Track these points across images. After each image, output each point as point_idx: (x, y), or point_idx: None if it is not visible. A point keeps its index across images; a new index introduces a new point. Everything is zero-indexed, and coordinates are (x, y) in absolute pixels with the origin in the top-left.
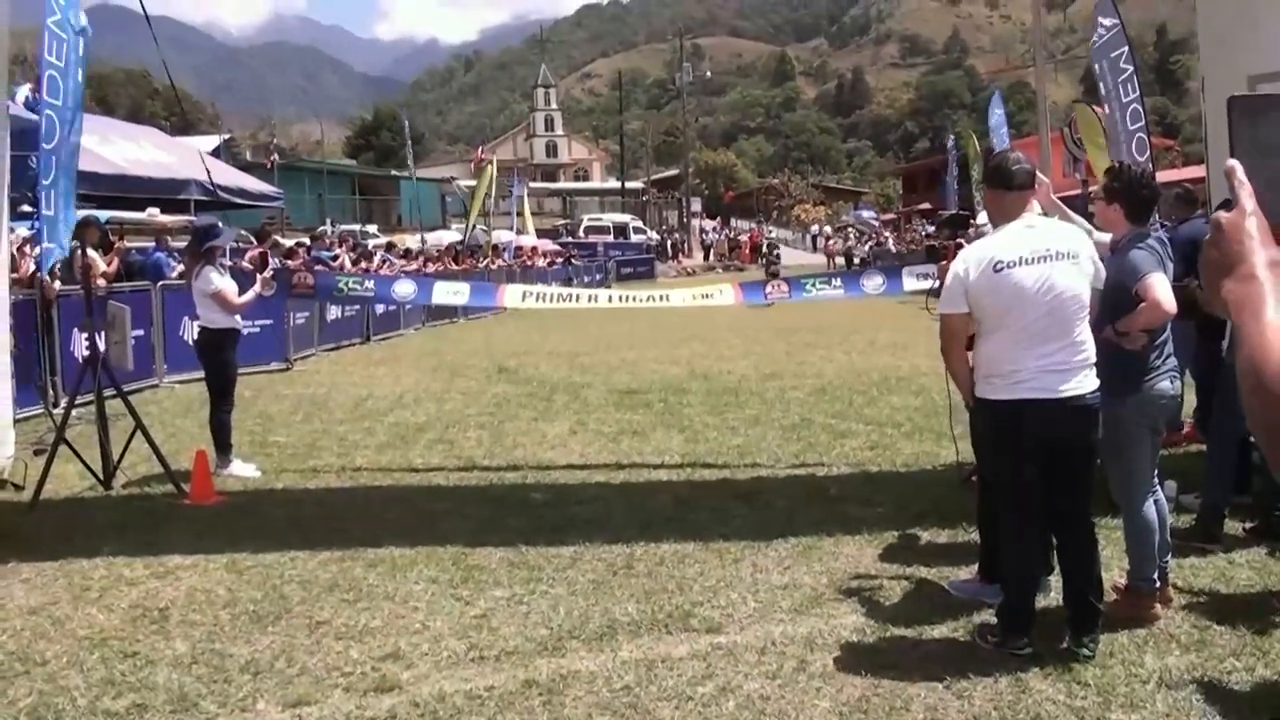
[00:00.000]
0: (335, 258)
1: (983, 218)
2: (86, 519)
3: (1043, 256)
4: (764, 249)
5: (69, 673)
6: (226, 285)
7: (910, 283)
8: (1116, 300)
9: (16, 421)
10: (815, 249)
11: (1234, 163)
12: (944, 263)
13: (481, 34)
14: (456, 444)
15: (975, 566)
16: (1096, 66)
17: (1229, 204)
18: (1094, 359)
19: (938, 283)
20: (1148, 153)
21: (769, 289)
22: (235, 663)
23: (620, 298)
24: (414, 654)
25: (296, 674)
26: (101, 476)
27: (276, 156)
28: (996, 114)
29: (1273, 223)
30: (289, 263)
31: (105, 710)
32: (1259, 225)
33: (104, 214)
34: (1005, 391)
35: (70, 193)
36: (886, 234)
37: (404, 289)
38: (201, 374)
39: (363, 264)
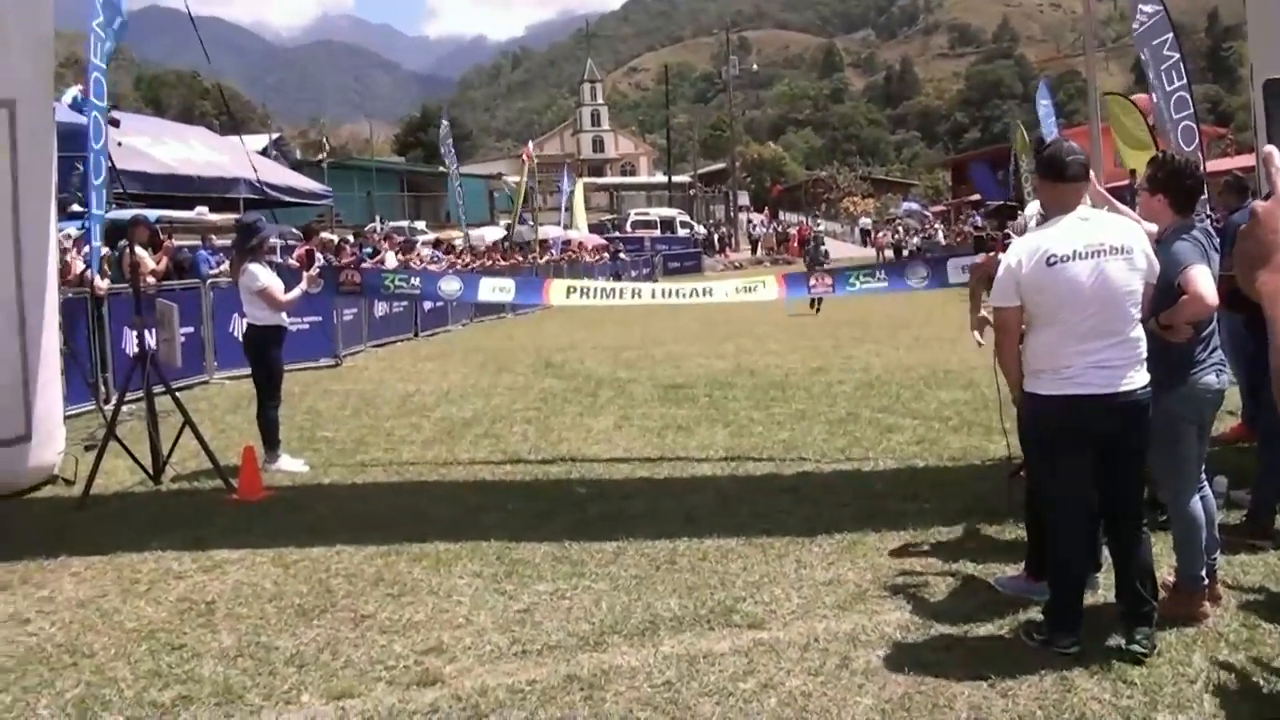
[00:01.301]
0: (375, 253)
1: (1031, 208)
2: (135, 514)
3: (1096, 251)
4: (809, 242)
5: (116, 664)
6: (272, 282)
7: (955, 275)
8: (1160, 293)
9: (68, 418)
10: (865, 243)
11: (1271, 149)
12: (990, 254)
13: (528, 30)
14: (502, 439)
15: (1022, 563)
16: (1141, 54)
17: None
18: (1145, 355)
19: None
20: (1196, 141)
21: (813, 282)
22: (280, 655)
23: (664, 292)
24: (457, 648)
25: (340, 667)
26: (151, 472)
27: (325, 154)
28: (1044, 104)
29: None
30: (335, 260)
31: (151, 702)
32: None
33: (153, 213)
34: (1054, 387)
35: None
36: (936, 225)
37: (450, 286)
38: (250, 370)
39: (403, 257)
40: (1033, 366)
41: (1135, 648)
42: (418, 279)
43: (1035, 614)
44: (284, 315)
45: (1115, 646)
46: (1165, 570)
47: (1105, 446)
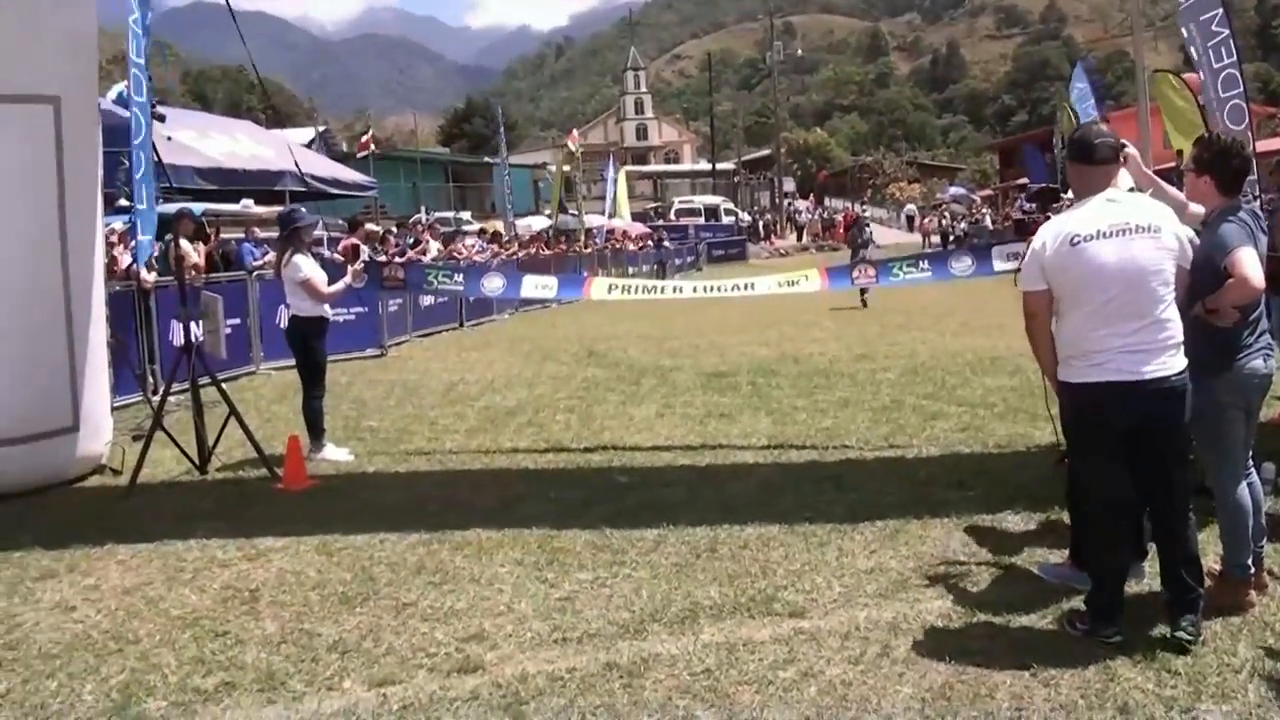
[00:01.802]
0: (416, 243)
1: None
2: (181, 502)
3: (1121, 230)
4: (854, 227)
5: (161, 651)
6: (315, 273)
7: (1000, 263)
8: (1206, 276)
9: (116, 409)
10: (911, 229)
11: None
12: (1031, 238)
13: (572, 19)
14: (545, 428)
15: (1066, 551)
16: (1185, 30)
17: None
18: (1180, 338)
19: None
20: (1245, 121)
21: (856, 274)
22: (323, 643)
23: (705, 288)
24: (498, 635)
25: (383, 654)
26: (197, 461)
27: (373, 146)
28: (1079, 87)
29: None
30: (381, 257)
31: (195, 688)
32: None
33: (199, 206)
34: (1086, 374)
35: (154, 186)
36: (984, 210)
37: (493, 283)
38: (295, 361)
39: (446, 248)
40: (1064, 354)
41: (1181, 634)
42: (460, 275)
43: (1078, 603)
44: (327, 307)
45: (1160, 636)
46: (1211, 558)
47: (1142, 433)
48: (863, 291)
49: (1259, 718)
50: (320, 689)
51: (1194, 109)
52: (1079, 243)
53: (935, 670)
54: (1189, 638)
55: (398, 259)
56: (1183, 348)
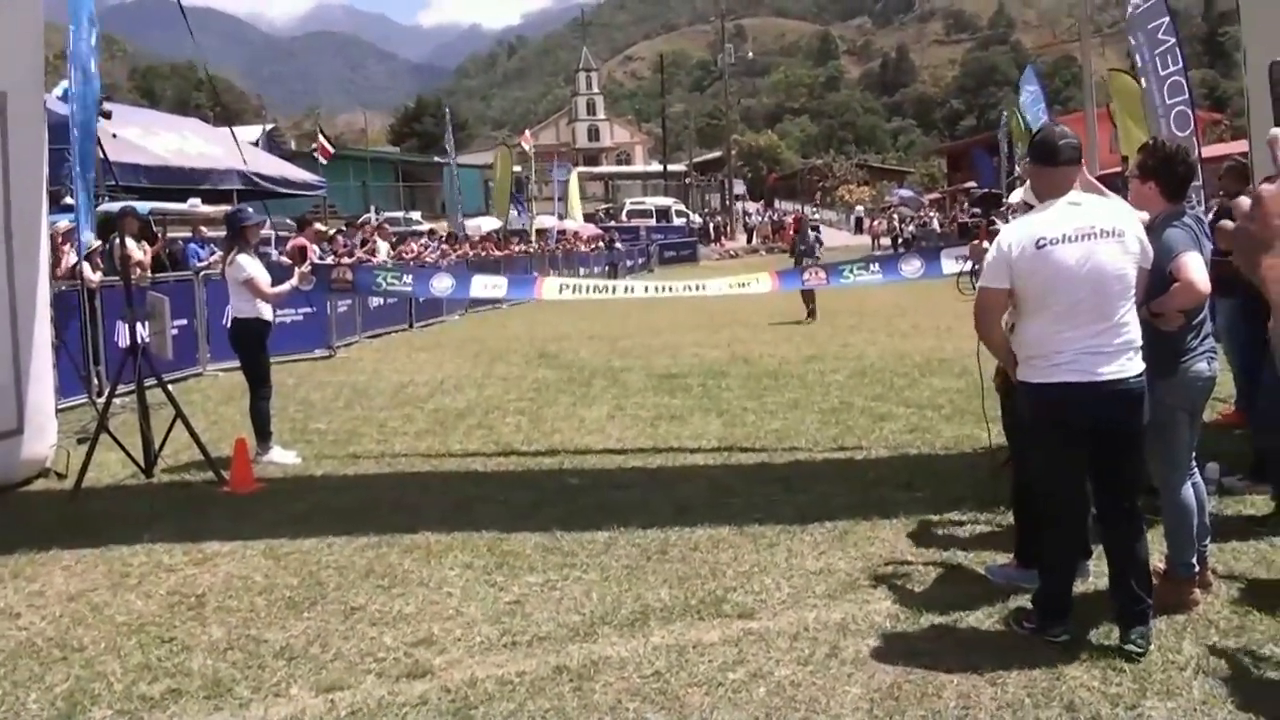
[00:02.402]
0: (364, 243)
1: (1015, 195)
2: (127, 506)
3: (1086, 234)
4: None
5: (106, 658)
6: (259, 273)
7: (949, 265)
8: (1152, 280)
9: (60, 411)
10: (860, 230)
11: (1277, 132)
12: (975, 242)
13: (524, 18)
14: (495, 430)
15: (1012, 552)
16: (1132, 39)
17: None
18: (1139, 342)
19: (971, 265)
20: (1190, 127)
21: (806, 276)
22: (270, 648)
23: (657, 288)
24: (447, 640)
25: (330, 659)
26: (143, 464)
27: (324, 143)
28: (1030, 90)
29: None
30: (329, 257)
31: (141, 695)
32: None
33: (145, 205)
34: (1045, 374)
35: (91, 183)
36: (931, 213)
37: (442, 283)
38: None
39: (395, 251)
40: (1024, 354)
41: (1131, 647)
42: (410, 276)
43: (1025, 602)
44: (268, 308)
45: (1110, 645)
46: (1156, 557)
47: (1099, 435)
48: (810, 304)
49: (1204, 714)
50: (267, 695)
51: (1141, 116)
52: (1045, 245)
53: (883, 670)
54: (1138, 650)
55: (345, 260)
56: (1141, 351)
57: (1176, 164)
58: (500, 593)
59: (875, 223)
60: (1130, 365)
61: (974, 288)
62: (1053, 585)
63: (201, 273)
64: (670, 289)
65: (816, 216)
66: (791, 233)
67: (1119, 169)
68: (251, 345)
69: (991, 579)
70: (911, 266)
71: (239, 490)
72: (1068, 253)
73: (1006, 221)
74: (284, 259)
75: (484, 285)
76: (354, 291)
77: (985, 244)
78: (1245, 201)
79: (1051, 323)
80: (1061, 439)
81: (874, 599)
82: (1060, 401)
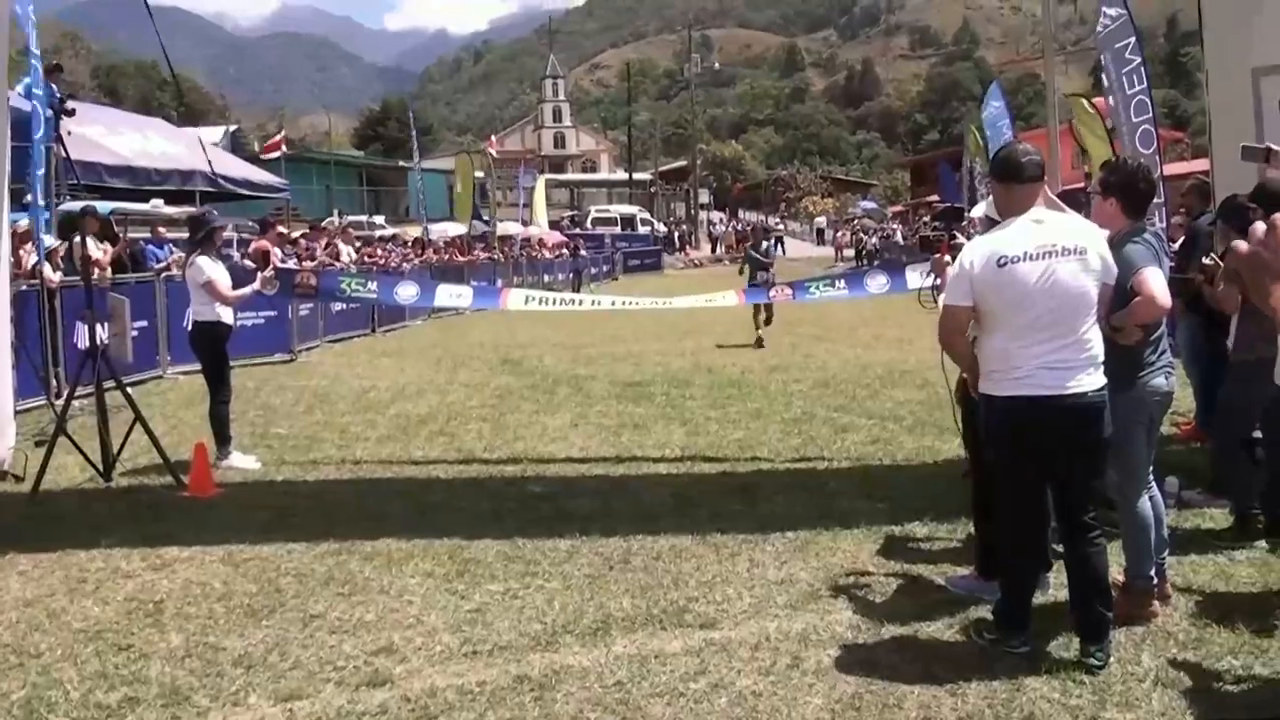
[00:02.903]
0: (328, 246)
1: (977, 210)
2: (85, 511)
3: (1048, 252)
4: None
5: (63, 665)
6: (218, 276)
7: (914, 280)
8: (1112, 295)
9: (19, 413)
10: (821, 242)
11: (1275, 147)
12: (937, 255)
13: (491, 24)
14: (457, 437)
15: (973, 563)
16: (1102, 56)
17: (1234, 198)
18: (1101, 357)
19: (933, 279)
20: (1154, 145)
21: (773, 292)
22: (228, 656)
23: (623, 302)
24: (407, 648)
25: (289, 668)
26: (101, 468)
27: (284, 146)
28: (994, 105)
29: None
30: (291, 260)
31: (98, 703)
32: None
33: (107, 205)
34: (1007, 388)
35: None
36: (894, 226)
37: (407, 291)
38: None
39: (360, 253)
40: (987, 368)
41: (1091, 660)
42: (374, 283)
43: (985, 613)
44: (229, 311)
45: (1071, 658)
46: (1115, 570)
47: (1058, 449)
48: (761, 326)
49: None
50: (225, 704)
51: (1102, 132)
52: (1006, 264)
53: (844, 681)
54: (1098, 663)
55: (309, 264)
56: (1103, 366)
57: (1138, 181)
58: (461, 601)
59: (839, 234)
60: (1091, 380)
61: (936, 301)
62: (1012, 597)
63: (163, 274)
64: (636, 303)
65: (780, 227)
66: (738, 243)
67: (1081, 185)
68: (211, 348)
69: (952, 589)
70: (877, 282)
71: (198, 495)
72: (1028, 270)
73: (968, 235)
74: (248, 262)
75: (449, 294)
76: (318, 296)
77: (947, 258)
78: (1260, 227)
79: (1012, 338)
80: (1021, 452)
81: (835, 609)
82: (1021, 415)
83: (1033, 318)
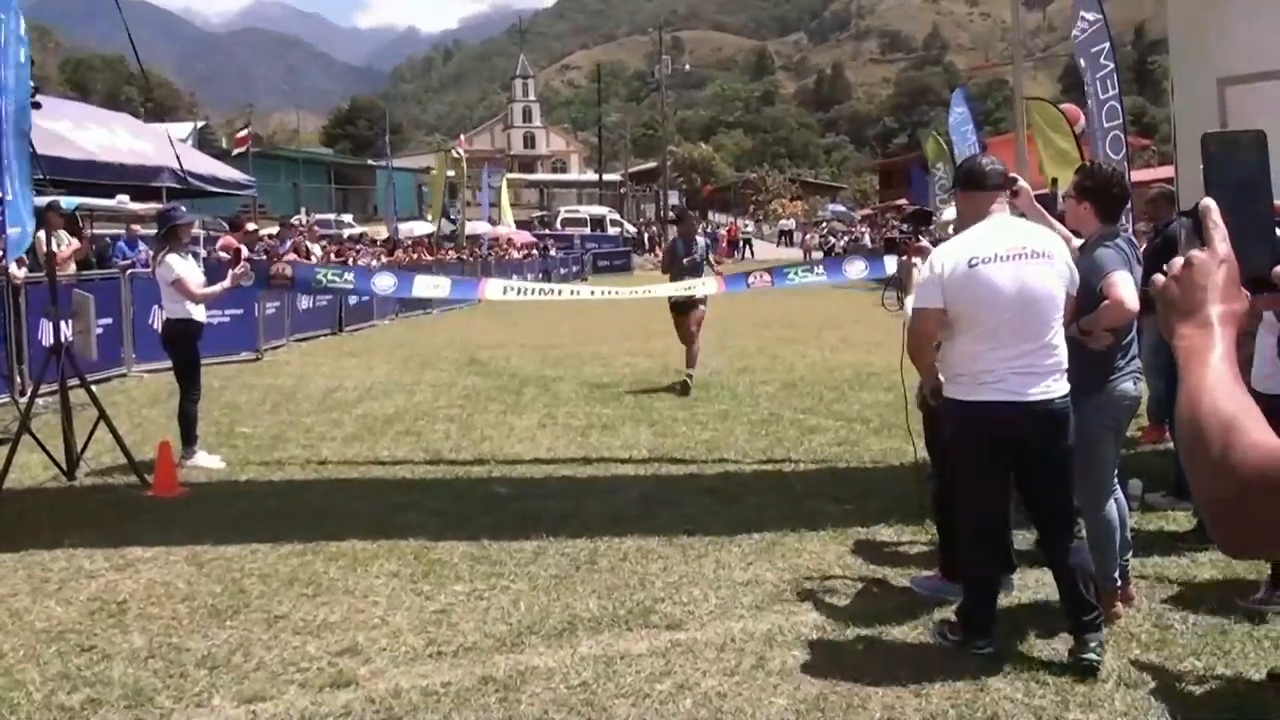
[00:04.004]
0: (296, 248)
1: (947, 214)
2: (48, 510)
3: (1017, 254)
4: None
5: (25, 666)
6: (187, 273)
7: (892, 265)
8: (1083, 298)
9: None
10: (791, 243)
11: (1210, 202)
12: (903, 259)
13: (461, 23)
14: (424, 436)
15: (938, 564)
16: (1080, 61)
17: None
18: (1066, 364)
19: (899, 281)
20: (1123, 151)
21: (751, 280)
22: (192, 657)
23: (602, 292)
24: (372, 649)
25: (253, 669)
26: (65, 467)
27: (251, 143)
28: (957, 112)
29: (1245, 277)
30: (264, 256)
31: (60, 705)
32: (1227, 274)
33: (73, 200)
34: (972, 392)
35: (27, 177)
36: (863, 229)
37: (384, 281)
38: (169, 364)
39: (331, 249)
40: (953, 372)
41: (1090, 655)
42: (351, 274)
43: (950, 614)
44: (199, 309)
45: (1038, 658)
46: None
47: (1025, 453)
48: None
49: None
50: (189, 705)
51: (1069, 137)
52: (977, 264)
53: (809, 681)
54: (1096, 658)
55: (286, 257)
56: (1067, 373)
57: (1113, 186)
58: (427, 602)
59: (808, 236)
60: (1057, 386)
61: (900, 303)
62: (976, 599)
63: (128, 271)
64: (615, 292)
65: (749, 229)
66: (725, 245)
67: (1046, 191)
68: (182, 346)
69: (916, 590)
70: (855, 268)
71: (162, 495)
72: (998, 272)
73: (934, 240)
74: (223, 254)
75: (427, 285)
76: (293, 287)
77: (916, 260)
78: (1177, 262)
79: (979, 341)
80: (985, 456)
81: (801, 610)
82: (985, 419)
83: (1001, 320)
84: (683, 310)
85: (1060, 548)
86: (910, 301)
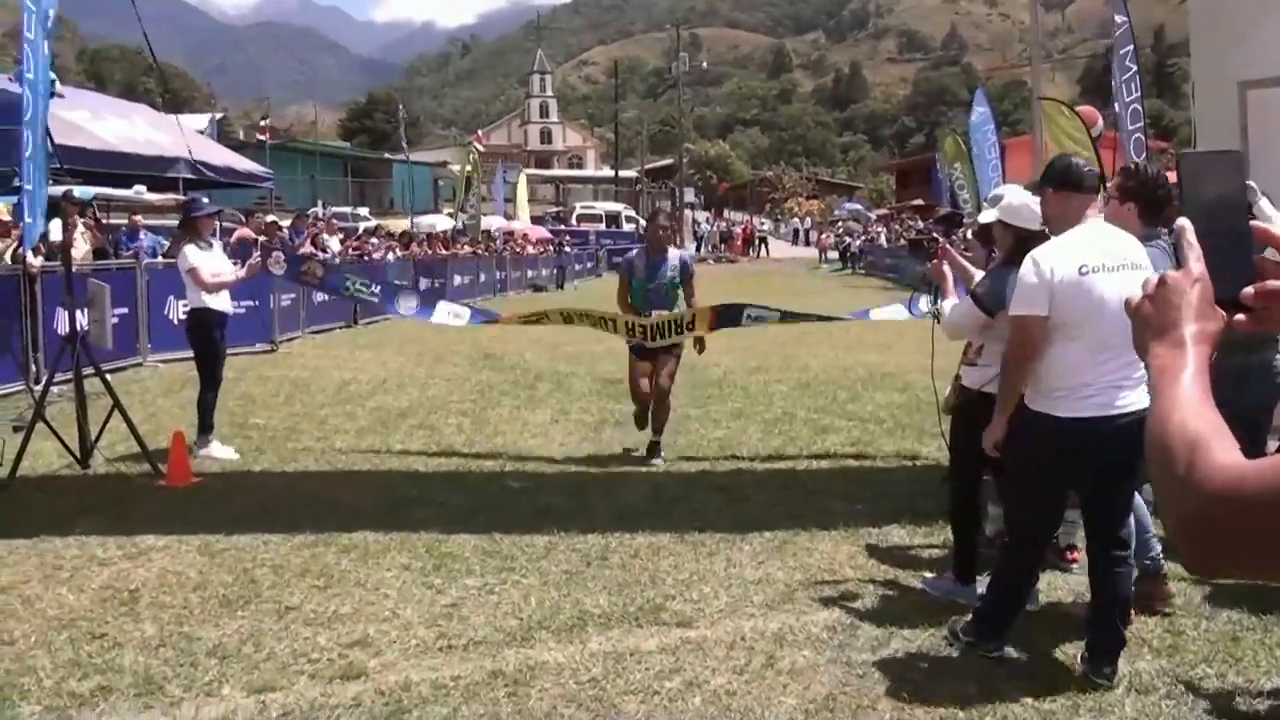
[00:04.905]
0: (314, 240)
1: (987, 215)
2: (61, 498)
3: (1122, 265)
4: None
5: (36, 653)
6: (200, 263)
7: (925, 305)
8: None
9: None
10: (807, 243)
11: (1185, 222)
12: (935, 261)
13: (479, 18)
14: (437, 430)
15: (950, 566)
16: (1112, 64)
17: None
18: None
19: (932, 287)
20: (1144, 154)
21: (752, 312)
22: (202, 646)
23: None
24: (382, 641)
25: (263, 659)
26: (79, 455)
27: (267, 136)
28: (979, 112)
29: (1218, 297)
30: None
31: (70, 692)
32: (1201, 293)
33: (90, 190)
34: (1070, 408)
35: (44, 167)
36: (878, 229)
37: (407, 303)
38: (184, 354)
39: (348, 244)
40: (1046, 385)
41: (1101, 680)
42: (378, 288)
43: (962, 616)
44: (218, 299)
45: (1047, 665)
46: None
47: (1102, 470)
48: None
49: None
50: (199, 694)
51: (1085, 139)
52: (1087, 273)
53: (819, 681)
54: (1107, 683)
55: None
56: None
57: (1156, 188)
58: (437, 595)
59: (823, 236)
60: (1144, 397)
61: (934, 306)
62: (1003, 604)
63: (145, 262)
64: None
65: (765, 227)
66: (741, 242)
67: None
68: (199, 336)
69: (930, 592)
70: (887, 311)
71: (175, 484)
72: (1106, 282)
73: (965, 242)
74: (250, 233)
75: (446, 313)
76: (320, 288)
77: (945, 265)
78: (1151, 280)
79: (1083, 352)
80: (1062, 473)
81: (811, 610)
82: (1078, 435)
83: (1107, 333)
84: (648, 355)
85: (1111, 568)
86: (949, 305)
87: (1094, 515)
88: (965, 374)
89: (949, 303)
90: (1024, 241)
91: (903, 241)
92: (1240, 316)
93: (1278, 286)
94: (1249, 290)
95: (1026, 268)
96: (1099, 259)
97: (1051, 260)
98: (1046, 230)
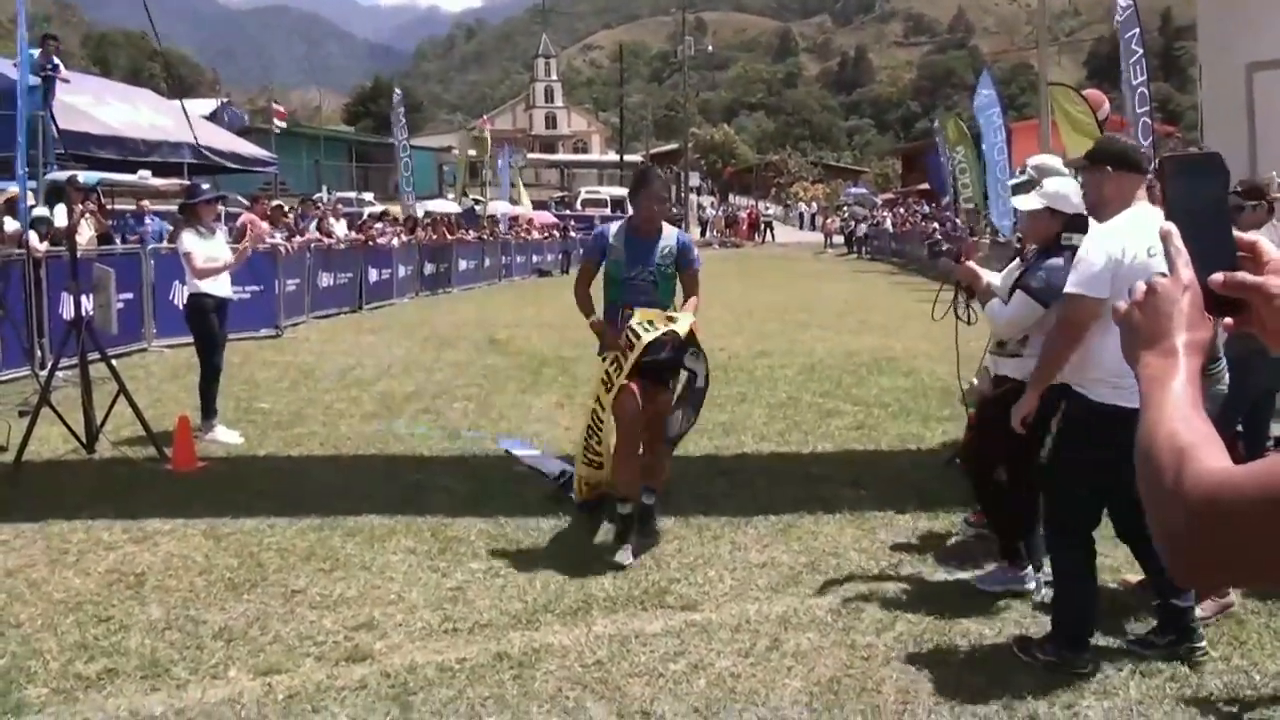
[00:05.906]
0: (319, 224)
1: (1031, 203)
2: (67, 482)
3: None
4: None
5: (43, 636)
6: (194, 249)
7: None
8: None
9: (2, 383)
10: (812, 227)
11: (1170, 226)
12: (965, 262)
13: (484, 2)
14: (442, 415)
15: (974, 555)
16: (1123, 45)
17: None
18: None
19: (964, 287)
20: (1151, 138)
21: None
22: (208, 629)
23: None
24: (387, 624)
25: (269, 642)
26: (84, 440)
27: (276, 122)
28: (984, 94)
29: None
30: (278, 234)
31: (77, 674)
32: (1192, 301)
33: (94, 175)
34: (1127, 398)
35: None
36: (884, 214)
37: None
38: (189, 339)
39: (353, 230)
40: (1099, 373)
41: (1199, 648)
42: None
43: (1027, 629)
44: (213, 284)
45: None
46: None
47: None
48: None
49: (1139, 714)
50: (205, 677)
51: (1091, 122)
52: (1155, 255)
53: (823, 664)
54: (1199, 649)
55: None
56: None
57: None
58: (443, 578)
59: (829, 220)
60: None
61: (966, 306)
62: (1073, 609)
63: (150, 246)
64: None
65: (770, 211)
66: (746, 227)
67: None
68: (196, 321)
69: (984, 589)
70: None
71: (181, 469)
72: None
73: (994, 235)
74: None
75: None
76: None
77: (973, 264)
78: (1139, 286)
79: None
80: (1117, 463)
81: (816, 593)
82: (1132, 425)
83: None
84: (654, 376)
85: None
86: (994, 305)
87: (1135, 515)
88: (1002, 364)
89: (995, 303)
90: (1066, 226)
91: (908, 227)
92: (1228, 320)
93: (1247, 278)
94: (1217, 277)
95: (1093, 248)
96: (1158, 243)
97: (1122, 241)
98: (1085, 214)
